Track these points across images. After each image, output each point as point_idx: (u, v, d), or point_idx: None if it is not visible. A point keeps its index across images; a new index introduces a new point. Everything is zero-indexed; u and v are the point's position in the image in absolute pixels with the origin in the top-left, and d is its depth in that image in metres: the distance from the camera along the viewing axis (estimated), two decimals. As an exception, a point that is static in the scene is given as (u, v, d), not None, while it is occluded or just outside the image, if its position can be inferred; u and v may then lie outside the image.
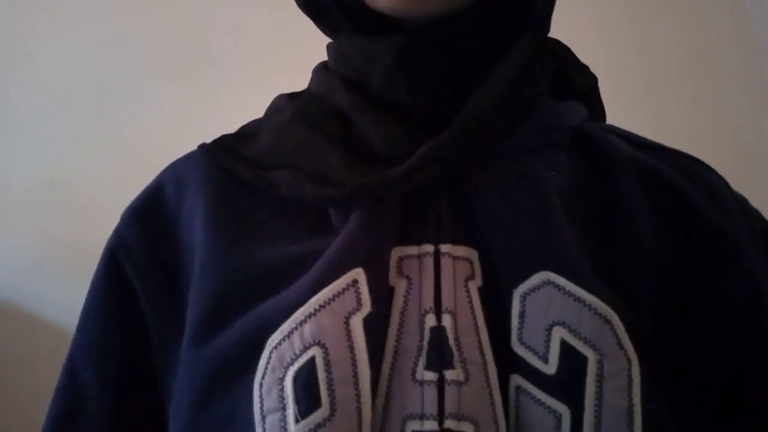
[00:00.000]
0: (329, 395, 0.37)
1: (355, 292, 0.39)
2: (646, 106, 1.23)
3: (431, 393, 0.38)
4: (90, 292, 0.49)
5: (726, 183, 0.49)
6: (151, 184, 0.50)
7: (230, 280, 0.43)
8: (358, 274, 0.39)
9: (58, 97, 1.32)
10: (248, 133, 0.51)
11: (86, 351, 0.48)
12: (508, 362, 0.39)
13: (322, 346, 0.38)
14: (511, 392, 0.39)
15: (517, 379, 0.39)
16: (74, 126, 1.31)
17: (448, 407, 0.37)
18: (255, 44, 1.29)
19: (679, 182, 0.46)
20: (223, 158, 0.48)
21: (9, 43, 1.34)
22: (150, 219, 0.48)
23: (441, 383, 0.38)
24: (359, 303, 0.39)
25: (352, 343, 0.38)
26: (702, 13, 1.28)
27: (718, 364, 0.42)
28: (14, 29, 1.34)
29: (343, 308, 0.39)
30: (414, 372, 0.39)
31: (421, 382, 0.38)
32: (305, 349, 0.38)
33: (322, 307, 0.39)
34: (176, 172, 0.50)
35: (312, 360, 0.37)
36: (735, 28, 1.27)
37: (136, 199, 0.50)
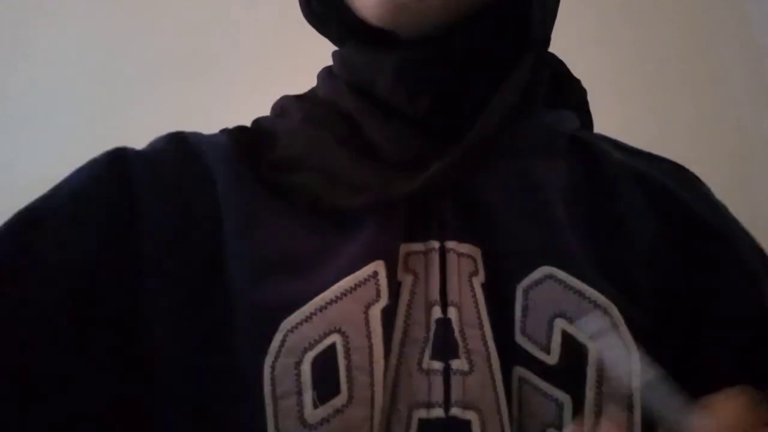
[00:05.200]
0: (348, 382, 0.37)
1: (375, 283, 0.40)
2: (646, 106, 1.23)
3: (438, 382, 0.39)
4: (73, 180, 0.44)
5: (711, 191, 0.51)
6: (169, 134, 0.48)
7: (253, 260, 0.41)
8: (379, 266, 0.40)
9: (59, 96, 1.31)
10: (265, 131, 0.50)
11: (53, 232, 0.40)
12: (510, 355, 0.40)
13: (342, 333, 0.38)
14: (514, 383, 0.40)
15: (519, 371, 0.40)
16: (74, 126, 1.31)
17: (454, 395, 0.38)
18: (256, 44, 1.29)
19: (673, 186, 0.48)
20: (248, 151, 0.47)
21: (9, 42, 1.34)
22: (184, 152, 0.46)
23: (447, 372, 0.39)
24: (378, 294, 0.40)
25: (370, 332, 0.39)
26: (702, 12, 1.28)
27: (718, 360, 0.43)
28: (14, 29, 1.34)
29: (364, 298, 0.39)
30: (420, 362, 0.39)
31: (428, 372, 0.39)
32: (326, 334, 0.38)
33: (344, 294, 0.39)
34: (200, 137, 0.49)
35: (333, 346, 0.38)
36: (735, 27, 1.27)
37: (160, 138, 0.48)
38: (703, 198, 0.49)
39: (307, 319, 0.38)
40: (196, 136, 0.49)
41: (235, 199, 0.44)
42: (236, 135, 0.49)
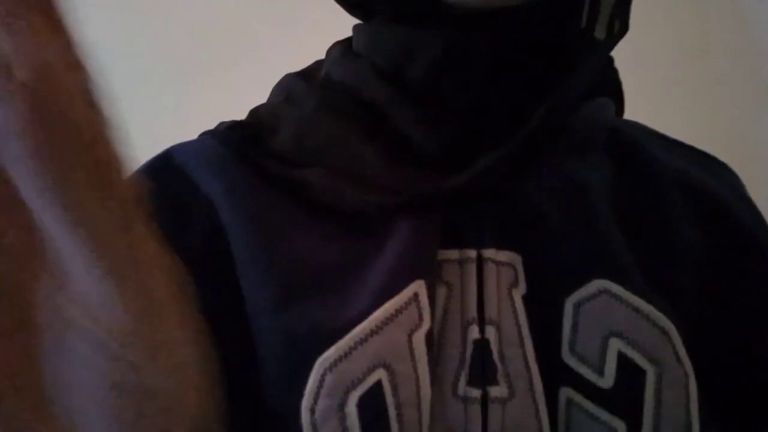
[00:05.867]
0: (398, 421, 0.34)
1: (417, 306, 0.36)
2: (646, 105, 1.22)
3: (476, 411, 0.36)
4: None
5: (746, 190, 0.49)
6: (156, 156, 0.44)
7: (274, 277, 0.38)
8: (420, 287, 0.36)
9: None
10: (265, 121, 0.45)
11: None
12: (556, 375, 0.37)
13: (388, 367, 0.34)
14: (561, 406, 0.36)
15: (568, 392, 0.36)
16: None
17: (492, 426, 0.35)
18: (258, 44, 1.29)
19: (714, 187, 0.45)
20: (247, 150, 0.42)
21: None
22: (166, 179, 0.41)
23: (484, 400, 0.36)
24: (420, 318, 0.36)
25: (415, 362, 0.35)
26: (701, 12, 1.28)
27: (763, 377, 0.41)
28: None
29: (407, 324, 0.35)
30: (456, 387, 0.36)
31: (464, 399, 0.36)
32: (370, 370, 0.34)
33: (385, 323, 0.35)
34: (186, 149, 0.44)
35: (378, 383, 0.34)
36: (735, 28, 1.27)
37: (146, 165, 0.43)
38: (741, 196, 0.46)
39: (347, 354, 0.34)
40: (182, 153, 0.43)
41: (240, 209, 0.39)
42: (227, 136, 0.43)
